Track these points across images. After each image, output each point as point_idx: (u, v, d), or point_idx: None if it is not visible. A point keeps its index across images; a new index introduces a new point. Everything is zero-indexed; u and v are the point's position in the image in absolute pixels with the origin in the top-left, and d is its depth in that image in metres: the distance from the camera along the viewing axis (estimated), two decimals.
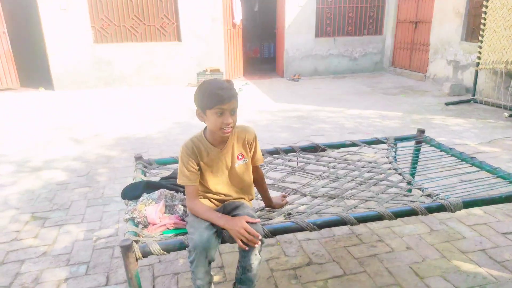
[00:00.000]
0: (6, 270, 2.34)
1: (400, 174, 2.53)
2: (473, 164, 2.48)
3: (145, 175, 2.44)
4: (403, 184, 2.47)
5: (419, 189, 2.29)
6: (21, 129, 5.47)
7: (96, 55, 8.30)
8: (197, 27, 8.66)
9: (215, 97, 1.66)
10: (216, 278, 2.22)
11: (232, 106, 1.68)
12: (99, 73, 8.41)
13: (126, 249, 1.57)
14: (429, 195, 2.14)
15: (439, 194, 2.09)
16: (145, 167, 2.54)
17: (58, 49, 8.05)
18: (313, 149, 2.79)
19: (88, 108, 6.69)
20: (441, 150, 2.74)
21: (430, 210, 1.89)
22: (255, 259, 1.70)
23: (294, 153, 2.75)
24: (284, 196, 2.23)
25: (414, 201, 2.04)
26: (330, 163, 2.68)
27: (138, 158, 2.58)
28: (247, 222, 1.64)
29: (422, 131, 2.92)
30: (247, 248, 1.64)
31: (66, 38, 8.02)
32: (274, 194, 2.22)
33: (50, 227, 2.83)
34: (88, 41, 8.18)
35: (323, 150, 2.77)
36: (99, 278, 2.25)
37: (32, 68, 9.98)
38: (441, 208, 1.90)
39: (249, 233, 1.60)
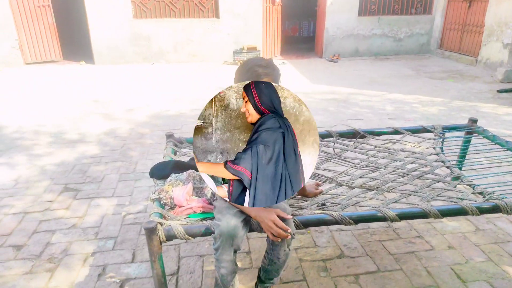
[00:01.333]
0: (38, 239, 2.39)
1: (448, 167, 2.31)
2: None
3: (175, 154, 2.38)
4: (451, 179, 2.26)
5: (469, 185, 2.08)
6: (60, 101, 5.61)
7: (135, 30, 8.34)
8: (235, 4, 8.45)
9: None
10: (242, 264, 2.14)
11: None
12: (137, 49, 8.47)
13: (150, 232, 1.51)
14: (480, 193, 1.93)
15: (493, 193, 1.88)
16: (176, 145, 2.47)
17: (99, 23, 8.14)
18: (352, 135, 2.60)
19: (125, 83, 6.76)
20: (496, 143, 2.47)
21: (482, 210, 1.69)
22: (284, 254, 1.62)
23: (331, 138, 2.59)
24: (318, 185, 2.09)
25: (463, 199, 1.85)
26: (369, 151, 2.50)
27: (169, 136, 2.51)
28: (279, 216, 1.52)
29: (474, 121, 2.65)
30: (279, 240, 1.53)
31: (107, 13, 8.09)
32: (307, 181, 2.09)
33: (82, 199, 2.86)
34: (128, 16, 8.21)
35: (363, 136, 2.58)
36: (125, 254, 2.24)
37: (75, 41, 10.23)
38: (495, 209, 1.69)
39: (278, 226, 1.49)
